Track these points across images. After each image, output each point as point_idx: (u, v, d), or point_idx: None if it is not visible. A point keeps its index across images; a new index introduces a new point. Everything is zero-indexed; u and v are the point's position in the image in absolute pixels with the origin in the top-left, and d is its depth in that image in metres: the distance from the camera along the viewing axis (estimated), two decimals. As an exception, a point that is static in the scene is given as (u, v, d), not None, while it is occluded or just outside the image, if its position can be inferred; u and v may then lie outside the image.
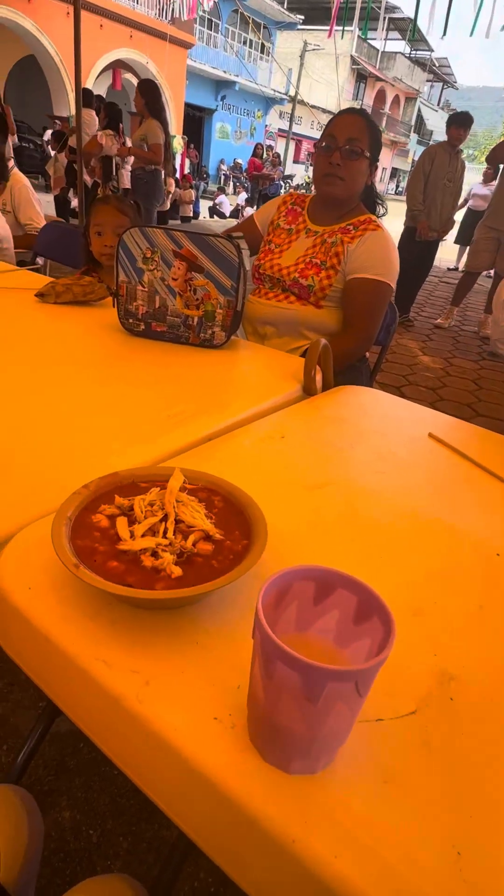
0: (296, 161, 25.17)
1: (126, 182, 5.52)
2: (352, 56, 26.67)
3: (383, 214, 1.67)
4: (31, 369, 0.98)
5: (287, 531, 0.62)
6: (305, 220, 1.62)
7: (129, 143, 5.33)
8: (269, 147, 13.66)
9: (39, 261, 2.35)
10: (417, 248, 4.54)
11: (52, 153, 6.43)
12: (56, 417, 0.82)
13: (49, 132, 7.07)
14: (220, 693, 0.42)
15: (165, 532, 0.50)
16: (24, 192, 2.46)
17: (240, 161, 18.35)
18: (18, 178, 2.48)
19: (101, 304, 1.41)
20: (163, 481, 0.57)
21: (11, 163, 2.52)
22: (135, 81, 13.70)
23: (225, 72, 19.42)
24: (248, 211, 11.16)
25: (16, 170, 2.51)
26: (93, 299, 1.40)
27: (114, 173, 5.33)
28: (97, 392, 0.93)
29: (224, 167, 18.94)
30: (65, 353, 1.10)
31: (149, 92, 4.17)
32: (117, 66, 12.79)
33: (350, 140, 1.45)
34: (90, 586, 0.45)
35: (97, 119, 5.57)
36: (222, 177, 18.35)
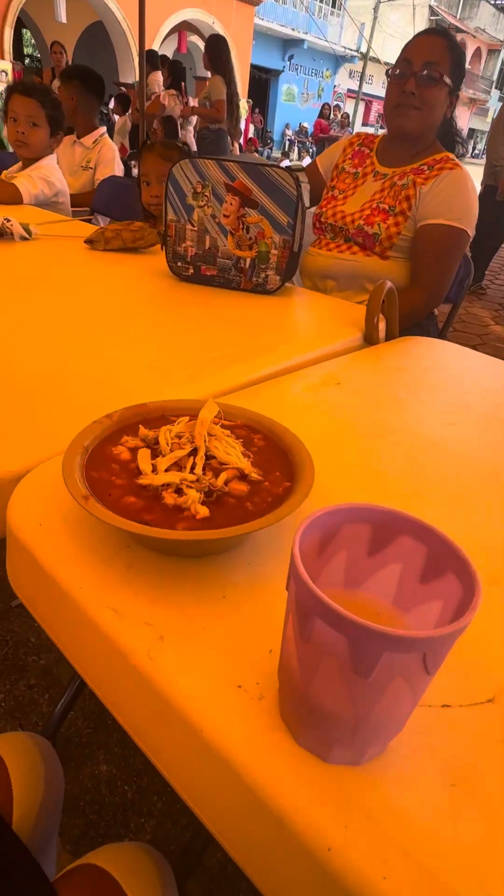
0: (365, 123, 23.97)
1: (190, 143, 5.42)
2: (430, 6, 24.83)
3: (463, 154, 1.48)
4: (73, 314, 0.93)
5: (338, 481, 0.53)
6: (374, 161, 1.47)
7: (192, 104, 5.19)
8: (337, 107, 13.01)
9: (101, 221, 2.32)
10: (496, 209, 4.17)
11: (116, 118, 6.37)
12: (93, 358, 0.77)
13: (113, 98, 7.01)
14: (248, 657, 0.35)
15: (193, 468, 0.43)
16: (108, 153, 2.48)
17: (305, 125, 17.66)
18: (107, 141, 2.52)
19: (151, 251, 1.34)
20: (196, 414, 0.50)
21: (104, 129, 2.51)
22: (200, 44, 13.37)
23: (293, 29, 18.60)
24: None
25: (106, 136, 2.52)
26: (142, 245, 1.33)
27: (178, 134, 5.21)
28: (138, 335, 0.87)
29: (289, 132, 18.30)
30: (110, 299, 1.04)
31: (214, 47, 4.01)
32: (183, 29, 12.48)
33: (428, 64, 1.28)
34: (106, 525, 0.39)
35: (161, 80, 5.44)
36: (287, 142, 17.76)
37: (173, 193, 1.05)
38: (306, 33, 19.29)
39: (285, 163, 11.71)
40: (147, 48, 4.02)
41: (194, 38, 13.05)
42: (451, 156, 1.38)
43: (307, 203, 1.57)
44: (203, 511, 0.39)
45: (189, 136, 5.35)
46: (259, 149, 10.85)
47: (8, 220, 1.26)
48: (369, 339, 0.96)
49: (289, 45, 19.58)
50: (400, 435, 0.64)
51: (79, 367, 0.73)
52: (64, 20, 9.84)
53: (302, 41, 19.43)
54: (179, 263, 1.11)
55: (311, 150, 13.74)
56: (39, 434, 0.57)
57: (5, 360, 0.72)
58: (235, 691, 0.33)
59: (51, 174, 1.94)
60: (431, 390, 0.78)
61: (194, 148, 5.03)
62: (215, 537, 0.36)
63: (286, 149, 16.60)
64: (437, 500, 0.53)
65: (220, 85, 4.02)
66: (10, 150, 2.02)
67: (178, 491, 0.41)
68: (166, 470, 0.42)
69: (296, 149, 16.97)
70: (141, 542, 0.41)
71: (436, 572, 0.29)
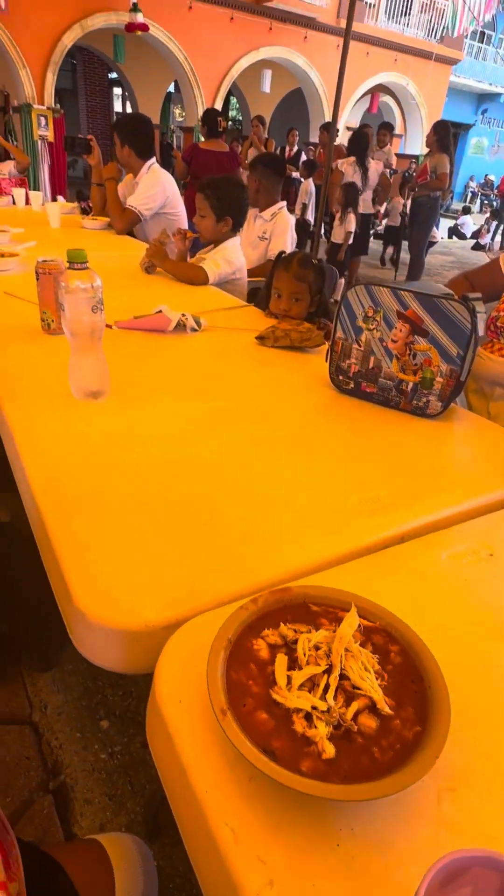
0: None
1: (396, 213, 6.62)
2: None
3: None
4: (234, 424, 1.01)
5: (482, 715, 0.50)
6: None
7: (372, 167, 5.42)
8: (529, 162, 12.36)
9: None
10: None
11: (302, 181, 6.81)
12: (247, 487, 0.82)
13: (302, 158, 7.51)
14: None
15: (327, 689, 0.44)
16: (283, 224, 2.62)
17: (492, 177, 17.09)
18: (284, 215, 2.65)
19: (315, 351, 1.40)
20: (336, 610, 0.51)
21: (283, 203, 2.67)
22: (391, 104, 13.73)
23: (490, 84, 18.27)
24: (490, 241, 10.34)
25: (284, 210, 2.67)
26: (308, 346, 1.39)
27: (357, 202, 5.44)
28: (291, 459, 0.91)
29: (472, 184, 17.83)
30: (271, 407, 1.10)
31: (441, 130, 5.12)
32: (377, 90, 12.98)
33: None
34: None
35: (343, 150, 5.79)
36: (469, 194, 17.32)
37: (345, 315, 1.10)
38: (504, 87, 18.76)
39: (463, 219, 11.36)
40: (339, 112, 4.39)
41: (386, 98, 13.47)
42: None
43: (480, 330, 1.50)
44: (329, 750, 0.40)
45: (367, 198, 5.56)
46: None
47: (184, 315, 1.41)
48: (534, 490, 0.89)
49: (483, 98, 19.23)
50: None
51: (233, 498, 0.78)
52: (268, 90, 10.90)
53: (498, 95, 18.96)
54: (341, 377, 1.14)
55: (494, 204, 13.21)
56: (194, 579, 0.62)
57: (166, 480, 0.81)
58: None
59: (233, 255, 2.14)
60: None
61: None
62: (334, 797, 0.37)
63: (468, 201, 16.17)
64: None
65: (446, 161, 5.06)
66: None
67: (308, 716, 0.42)
68: (300, 686, 0.44)
69: (478, 201, 16.46)
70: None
71: None
